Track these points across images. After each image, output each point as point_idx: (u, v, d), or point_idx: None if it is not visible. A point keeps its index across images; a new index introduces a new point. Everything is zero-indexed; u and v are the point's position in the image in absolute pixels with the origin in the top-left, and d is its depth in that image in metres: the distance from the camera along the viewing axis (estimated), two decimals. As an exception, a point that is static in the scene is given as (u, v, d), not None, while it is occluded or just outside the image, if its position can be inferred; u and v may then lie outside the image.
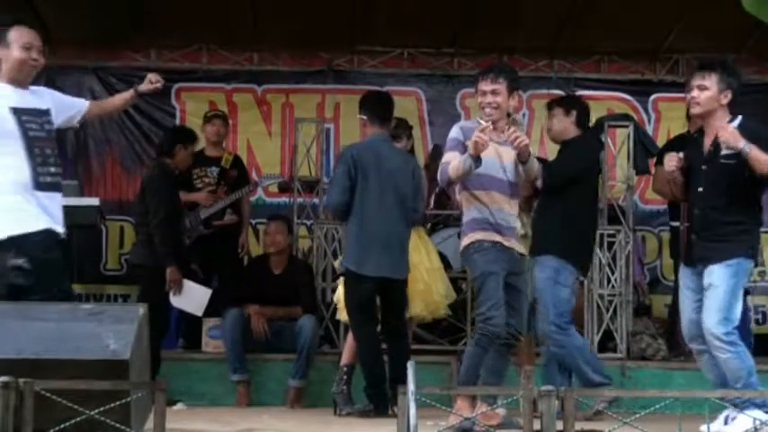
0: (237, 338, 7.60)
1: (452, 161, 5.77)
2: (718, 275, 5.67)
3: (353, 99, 8.00)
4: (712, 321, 5.64)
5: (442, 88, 9.93)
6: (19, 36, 5.42)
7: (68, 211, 5.63)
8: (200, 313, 7.94)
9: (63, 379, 4.31)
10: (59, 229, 5.40)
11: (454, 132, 5.96)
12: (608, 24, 8.96)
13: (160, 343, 7.31)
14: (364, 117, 6.99)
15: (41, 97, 5.58)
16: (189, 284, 7.77)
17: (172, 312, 7.99)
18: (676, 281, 8.52)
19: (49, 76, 8.55)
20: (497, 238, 5.83)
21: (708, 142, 5.81)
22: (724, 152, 5.69)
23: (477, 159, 5.65)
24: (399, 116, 7.88)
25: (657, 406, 4.32)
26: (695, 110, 5.82)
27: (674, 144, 7.67)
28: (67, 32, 9.10)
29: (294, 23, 9.08)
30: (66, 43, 9.28)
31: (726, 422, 5.60)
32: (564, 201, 6.72)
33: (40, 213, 5.32)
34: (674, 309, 8.64)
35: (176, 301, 7.76)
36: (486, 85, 5.91)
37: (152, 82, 5.97)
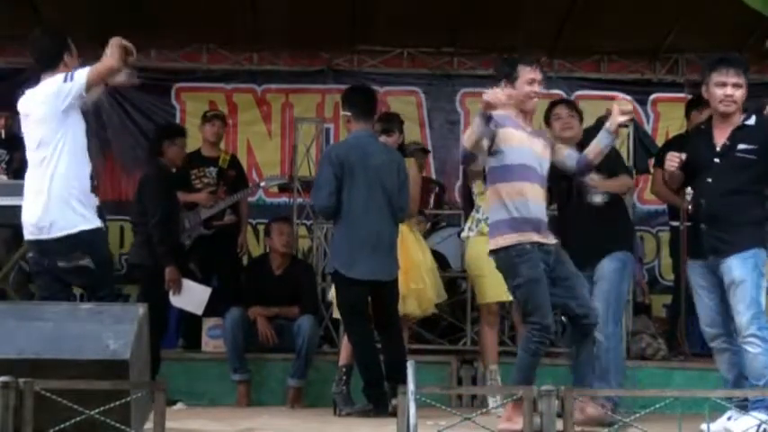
0: (239, 338, 7.58)
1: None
2: (738, 270, 5.57)
3: (353, 99, 7.98)
4: (746, 319, 5.54)
5: (441, 88, 9.93)
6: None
7: None
8: (200, 312, 7.94)
9: (63, 379, 4.32)
10: None
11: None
12: (608, 24, 8.95)
13: (160, 343, 7.30)
14: (349, 113, 6.89)
15: None
16: (188, 283, 7.77)
17: (171, 312, 7.99)
18: (676, 281, 8.58)
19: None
20: (536, 237, 5.65)
21: (721, 136, 5.77)
22: (741, 146, 5.69)
23: (488, 119, 5.43)
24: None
25: (657, 405, 4.33)
26: (731, 108, 5.74)
27: (673, 144, 7.66)
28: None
29: (294, 23, 9.07)
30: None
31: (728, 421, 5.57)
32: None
33: None
34: (673, 309, 8.66)
35: (176, 300, 7.76)
36: (536, 75, 5.83)
37: None
